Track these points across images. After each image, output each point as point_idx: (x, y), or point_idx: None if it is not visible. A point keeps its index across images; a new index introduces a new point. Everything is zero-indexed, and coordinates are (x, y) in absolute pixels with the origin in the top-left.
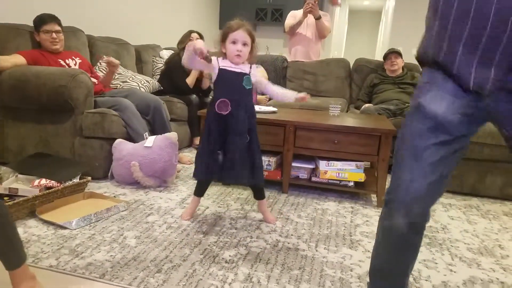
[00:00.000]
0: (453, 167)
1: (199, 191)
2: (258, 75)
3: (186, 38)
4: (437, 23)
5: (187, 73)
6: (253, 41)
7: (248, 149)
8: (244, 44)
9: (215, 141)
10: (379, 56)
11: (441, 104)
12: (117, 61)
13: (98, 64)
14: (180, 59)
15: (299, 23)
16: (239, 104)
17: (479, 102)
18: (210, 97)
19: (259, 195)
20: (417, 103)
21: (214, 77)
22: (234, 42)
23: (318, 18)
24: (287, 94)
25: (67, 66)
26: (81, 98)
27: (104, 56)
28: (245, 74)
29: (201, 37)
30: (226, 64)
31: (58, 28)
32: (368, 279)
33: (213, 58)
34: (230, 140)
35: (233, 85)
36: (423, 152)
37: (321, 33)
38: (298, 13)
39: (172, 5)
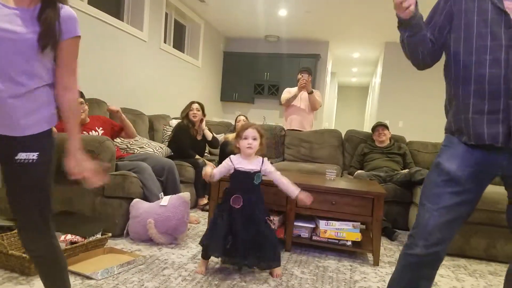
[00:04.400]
0: (465, 216)
1: (206, 256)
2: (270, 169)
3: (187, 107)
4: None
5: (190, 139)
6: (261, 136)
7: (257, 233)
8: (254, 139)
9: (227, 228)
10: (367, 128)
11: (453, 163)
12: (113, 107)
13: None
14: (184, 126)
15: (294, 97)
16: (250, 198)
17: (488, 158)
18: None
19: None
20: (437, 162)
21: (230, 173)
22: (245, 138)
23: (310, 93)
24: (290, 187)
25: None
26: (106, 162)
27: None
28: (257, 171)
29: (201, 106)
30: (240, 164)
31: (81, 99)
32: None
33: (228, 161)
34: (241, 228)
35: (245, 183)
36: (439, 198)
37: (313, 106)
38: (292, 89)
39: (180, 79)
